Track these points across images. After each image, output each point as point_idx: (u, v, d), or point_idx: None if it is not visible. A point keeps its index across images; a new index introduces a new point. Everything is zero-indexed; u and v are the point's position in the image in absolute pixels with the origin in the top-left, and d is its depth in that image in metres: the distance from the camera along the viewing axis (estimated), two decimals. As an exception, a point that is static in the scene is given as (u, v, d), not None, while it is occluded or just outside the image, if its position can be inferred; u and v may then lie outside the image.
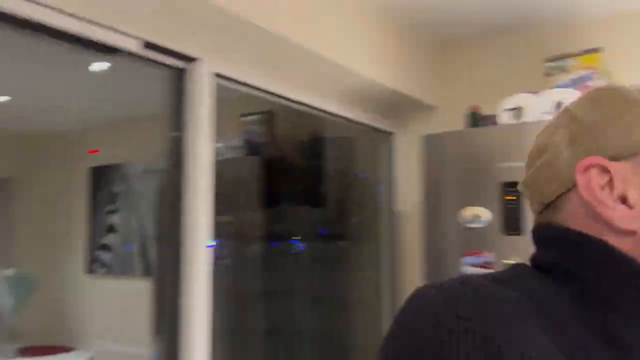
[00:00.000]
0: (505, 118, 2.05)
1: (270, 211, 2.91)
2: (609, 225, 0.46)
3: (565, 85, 2.09)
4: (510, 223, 1.85)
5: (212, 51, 1.70)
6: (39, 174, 4.16)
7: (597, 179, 0.47)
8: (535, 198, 0.54)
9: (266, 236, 2.97)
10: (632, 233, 0.46)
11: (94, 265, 3.93)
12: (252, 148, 2.78)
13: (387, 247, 2.71)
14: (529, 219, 1.82)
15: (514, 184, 1.86)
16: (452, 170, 2.04)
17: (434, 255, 2.03)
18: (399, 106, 2.60)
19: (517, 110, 2.02)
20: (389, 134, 2.72)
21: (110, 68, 2.55)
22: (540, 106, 1.97)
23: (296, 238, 3.06)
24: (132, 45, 1.47)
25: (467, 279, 0.44)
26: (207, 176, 1.65)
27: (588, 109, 0.51)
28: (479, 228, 1.92)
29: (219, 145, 2.23)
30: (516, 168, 1.86)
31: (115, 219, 3.85)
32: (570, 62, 2.19)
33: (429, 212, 2.07)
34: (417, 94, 2.51)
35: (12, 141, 4.03)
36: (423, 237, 2.07)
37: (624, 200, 0.46)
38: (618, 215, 0.46)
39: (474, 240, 1.93)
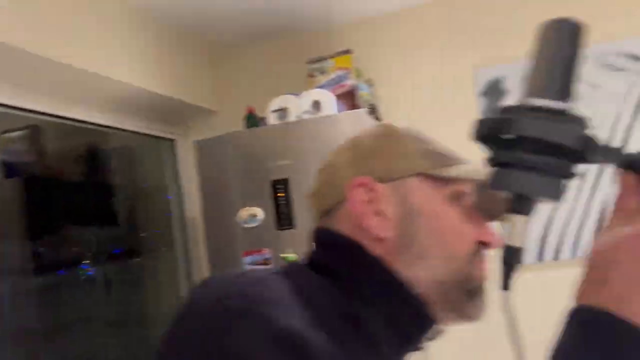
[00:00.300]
0: (272, 119, 2.15)
1: (48, 237, 2.62)
2: (367, 232, 0.58)
3: (323, 86, 2.27)
4: (283, 219, 1.96)
5: None
6: None
7: (362, 195, 0.59)
8: (317, 206, 0.65)
9: (48, 265, 2.67)
10: (384, 239, 0.57)
11: None
12: (11, 169, 2.46)
13: (183, 256, 2.66)
14: (300, 214, 1.94)
15: (283, 181, 1.97)
16: (229, 172, 2.07)
17: (218, 257, 2.05)
18: (177, 113, 2.55)
19: (282, 111, 2.13)
20: (171, 141, 2.66)
21: None
22: (301, 106, 2.11)
23: (85, 262, 2.82)
24: None
25: (245, 272, 0.55)
26: None
27: (368, 139, 0.64)
28: (256, 227, 1.99)
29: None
30: (284, 166, 1.97)
31: None
32: (328, 64, 2.39)
33: (208, 215, 2.07)
34: (194, 100, 2.49)
35: None
36: (205, 241, 2.07)
37: (381, 213, 0.58)
38: (374, 224, 0.58)
39: (252, 239, 1.99)
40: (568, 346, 0.42)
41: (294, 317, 0.47)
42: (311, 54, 2.47)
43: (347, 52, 2.38)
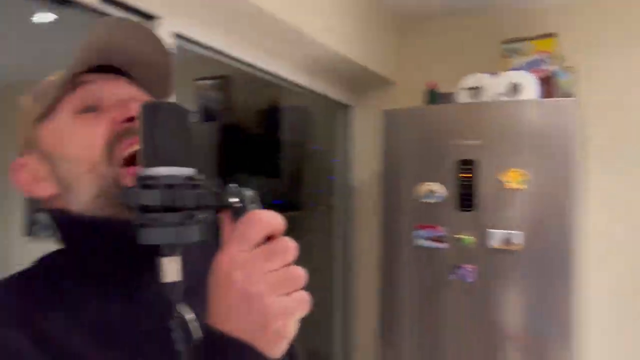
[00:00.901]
0: (463, 97, 2.09)
1: (222, 180, 2.85)
2: (44, 201, 0.61)
3: (519, 68, 2.15)
4: (464, 200, 1.91)
5: (173, 10, 1.61)
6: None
7: (23, 175, 0.62)
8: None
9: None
10: (55, 196, 0.59)
11: (34, 227, 3.73)
12: (208, 114, 2.70)
13: (340, 218, 2.74)
14: (483, 197, 1.89)
15: (469, 162, 1.92)
16: (410, 145, 2.07)
17: (388, 227, 2.07)
18: (359, 80, 2.59)
19: (475, 90, 2.06)
20: (347, 107, 2.72)
21: (57, 20, 2.37)
22: (497, 87, 2.02)
23: (250, 208, 3.02)
24: (88, -3, 1.37)
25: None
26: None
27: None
28: (434, 203, 1.97)
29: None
30: (472, 146, 1.92)
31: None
32: (525, 46, 2.25)
33: (385, 185, 2.10)
34: (378, 69, 2.51)
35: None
36: (379, 209, 2.11)
37: (40, 179, 0.60)
38: (40, 192, 0.60)
39: (427, 214, 1.98)
40: None
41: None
42: (506, 34, 2.35)
43: (550, 35, 2.22)
